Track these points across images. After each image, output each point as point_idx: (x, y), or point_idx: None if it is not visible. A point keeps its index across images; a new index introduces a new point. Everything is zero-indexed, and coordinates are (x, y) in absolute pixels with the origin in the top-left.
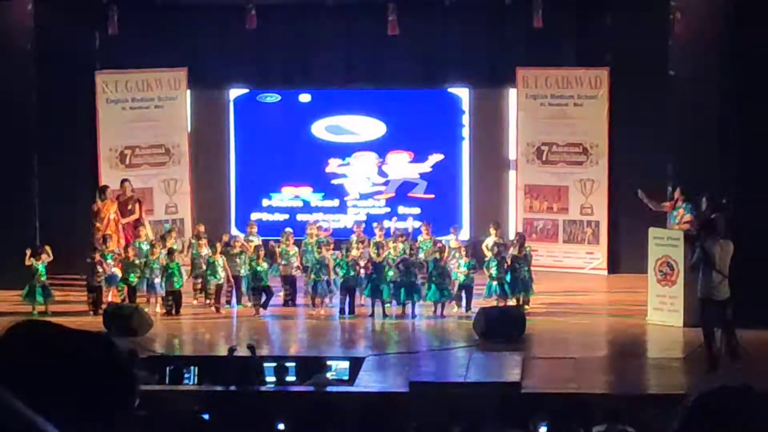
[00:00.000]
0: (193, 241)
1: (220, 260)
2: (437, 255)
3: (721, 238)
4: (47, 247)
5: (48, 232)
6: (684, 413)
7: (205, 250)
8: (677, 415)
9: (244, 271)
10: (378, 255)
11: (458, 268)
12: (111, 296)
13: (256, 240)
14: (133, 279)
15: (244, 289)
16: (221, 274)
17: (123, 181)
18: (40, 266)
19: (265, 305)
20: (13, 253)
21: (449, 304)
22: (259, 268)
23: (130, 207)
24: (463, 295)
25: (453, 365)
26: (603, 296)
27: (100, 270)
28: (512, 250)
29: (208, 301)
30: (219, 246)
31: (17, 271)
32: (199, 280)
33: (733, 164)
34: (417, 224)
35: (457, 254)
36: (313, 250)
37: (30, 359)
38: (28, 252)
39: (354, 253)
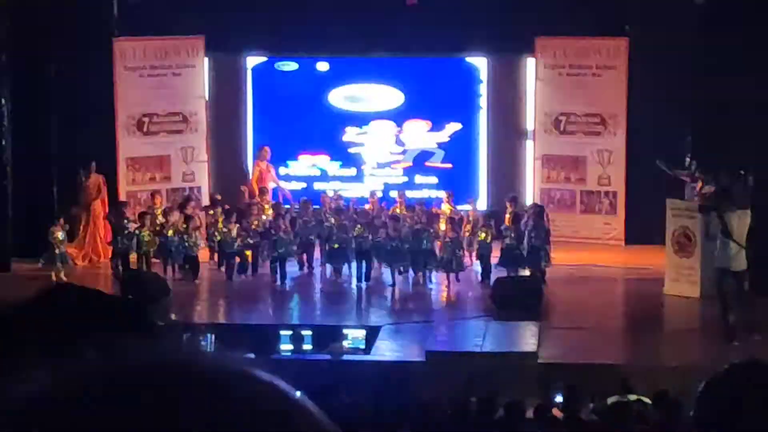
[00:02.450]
0: (212, 212)
1: (234, 229)
2: (453, 225)
3: (738, 209)
4: (62, 219)
5: (66, 198)
6: (698, 400)
7: (219, 219)
8: (694, 403)
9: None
10: (395, 230)
11: (477, 238)
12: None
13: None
14: (149, 246)
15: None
16: (234, 243)
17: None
18: (60, 233)
19: (282, 278)
20: (32, 220)
21: (464, 272)
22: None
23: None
24: (481, 264)
25: (469, 335)
26: (620, 267)
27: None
28: (529, 221)
29: (221, 269)
30: (234, 215)
31: (36, 238)
32: (213, 248)
33: (752, 136)
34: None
35: (476, 224)
36: (329, 218)
37: (61, 319)
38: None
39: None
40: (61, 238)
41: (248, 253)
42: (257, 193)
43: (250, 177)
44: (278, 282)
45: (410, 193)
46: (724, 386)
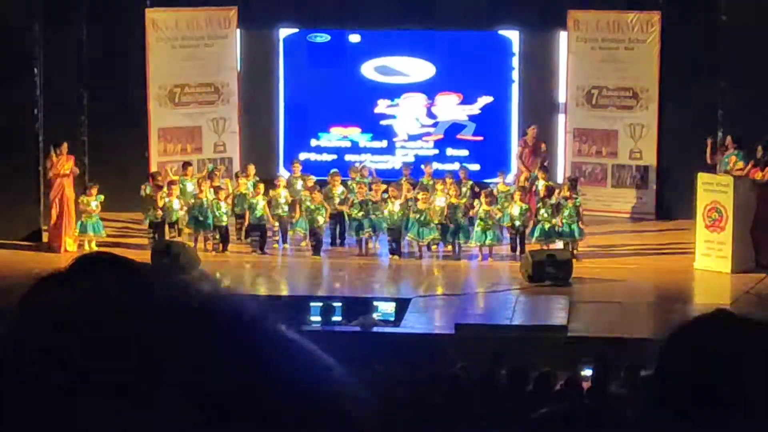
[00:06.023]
0: (242, 181)
1: (261, 201)
2: (484, 199)
3: None
4: (95, 187)
5: (97, 168)
6: (660, 352)
7: (246, 190)
8: (652, 356)
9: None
10: (425, 201)
11: (512, 212)
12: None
13: (300, 181)
14: (179, 216)
15: (299, 230)
16: (260, 214)
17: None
18: (92, 202)
19: (317, 251)
20: None
21: (498, 246)
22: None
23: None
24: (512, 237)
25: (499, 308)
26: (650, 241)
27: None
28: (561, 194)
29: (248, 240)
30: (261, 186)
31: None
32: (241, 220)
33: None
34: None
35: (510, 198)
36: (356, 190)
37: (96, 287)
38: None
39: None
40: (93, 207)
41: (276, 224)
42: (524, 170)
43: (513, 154)
44: (315, 253)
45: (441, 166)
46: (691, 338)
